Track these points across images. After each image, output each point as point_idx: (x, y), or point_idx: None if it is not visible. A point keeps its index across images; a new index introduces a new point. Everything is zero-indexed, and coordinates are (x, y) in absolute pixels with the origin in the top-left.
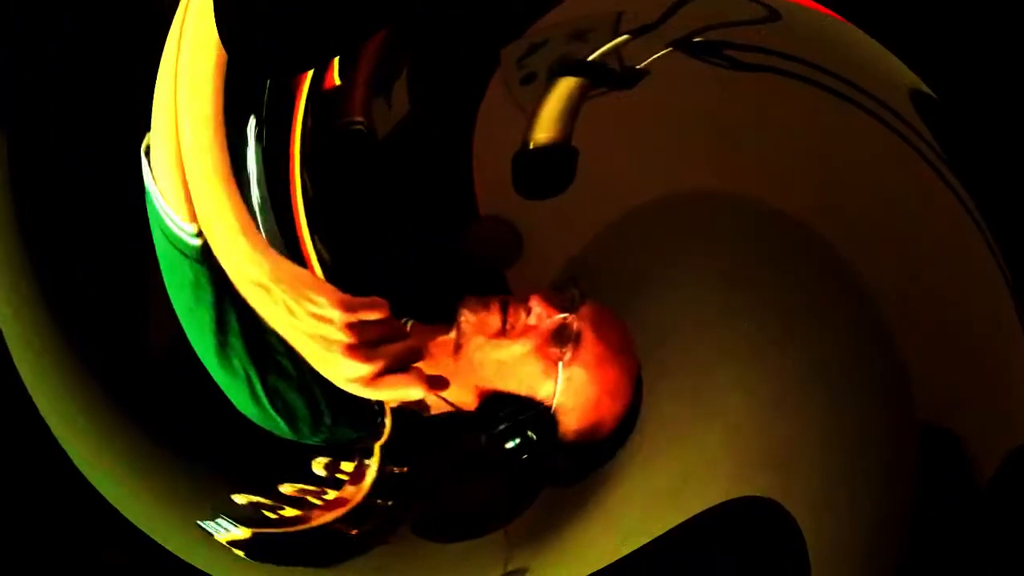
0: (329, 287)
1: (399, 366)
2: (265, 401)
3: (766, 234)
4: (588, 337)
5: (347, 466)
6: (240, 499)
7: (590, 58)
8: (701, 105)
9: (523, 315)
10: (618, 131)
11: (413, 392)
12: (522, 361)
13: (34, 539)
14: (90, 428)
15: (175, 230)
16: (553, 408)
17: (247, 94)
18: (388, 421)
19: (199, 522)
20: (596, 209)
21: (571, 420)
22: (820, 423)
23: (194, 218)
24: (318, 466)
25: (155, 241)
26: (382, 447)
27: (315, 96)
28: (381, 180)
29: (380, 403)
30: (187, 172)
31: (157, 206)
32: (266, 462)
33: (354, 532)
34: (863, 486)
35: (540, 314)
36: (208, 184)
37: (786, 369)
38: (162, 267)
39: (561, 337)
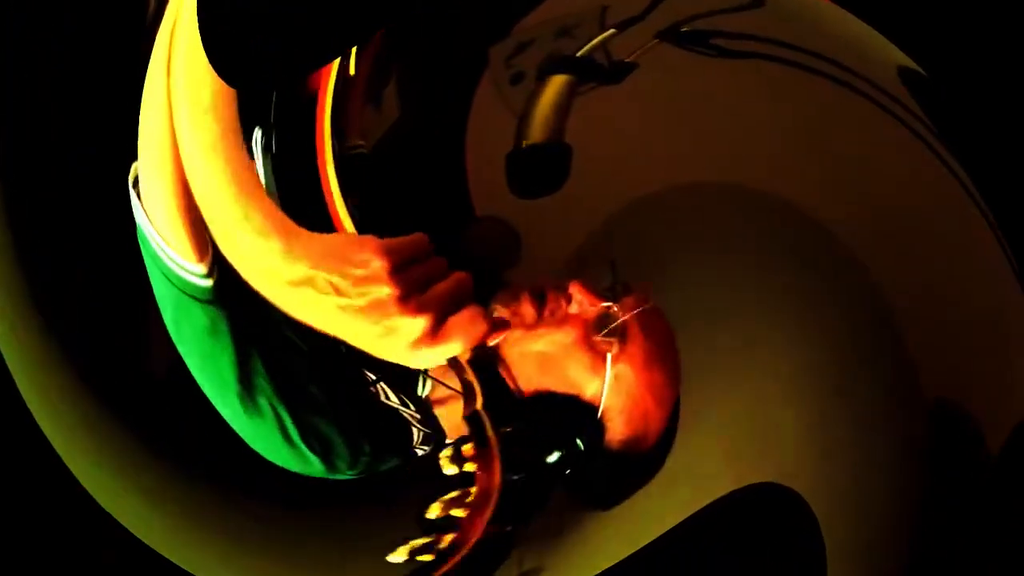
0: (367, 238)
1: (454, 306)
2: (298, 438)
3: (765, 221)
4: (635, 332)
5: (467, 449)
6: (396, 557)
7: (578, 54)
8: (691, 95)
9: (563, 303)
10: (610, 126)
11: (479, 328)
12: (567, 352)
13: (34, 539)
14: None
15: (182, 274)
16: (600, 411)
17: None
18: (473, 379)
19: None
20: (592, 205)
21: (618, 426)
22: (828, 408)
23: (202, 257)
24: (447, 465)
25: (156, 288)
26: (486, 409)
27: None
28: (375, 188)
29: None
30: (198, 199)
31: (158, 251)
32: (397, 497)
33: (509, 528)
34: (874, 468)
35: (582, 301)
36: (225, 198)
37: (790, 356)
38: (168, 318)
39: (606, 327)
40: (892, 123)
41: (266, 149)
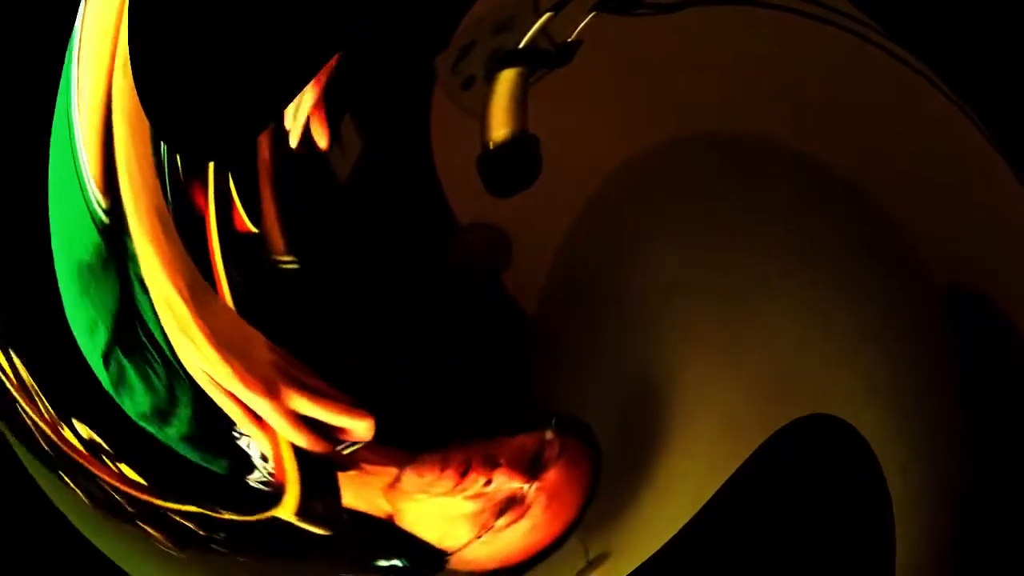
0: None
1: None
2: (98, 355)
3: (747, 164)
4: (535, 511)
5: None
6: None
7: (521, 45)
8: (642, 57)
9: (481, 482)
10: (571, 106)
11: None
12: (453, 520)
13: (33, 539)
14: None
15: (87, 187)
16: (450, 555)
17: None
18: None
19: None
20: (573, 186)
21: (462, 565)
22: (847, 327)
23: (107, 190)
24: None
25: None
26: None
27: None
28: (352, 224)
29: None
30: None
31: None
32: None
33: None
34: (907, 373)
35: (500, 484)
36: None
37: (800, 291)
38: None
39: (508, 507)
40: (856, 42)
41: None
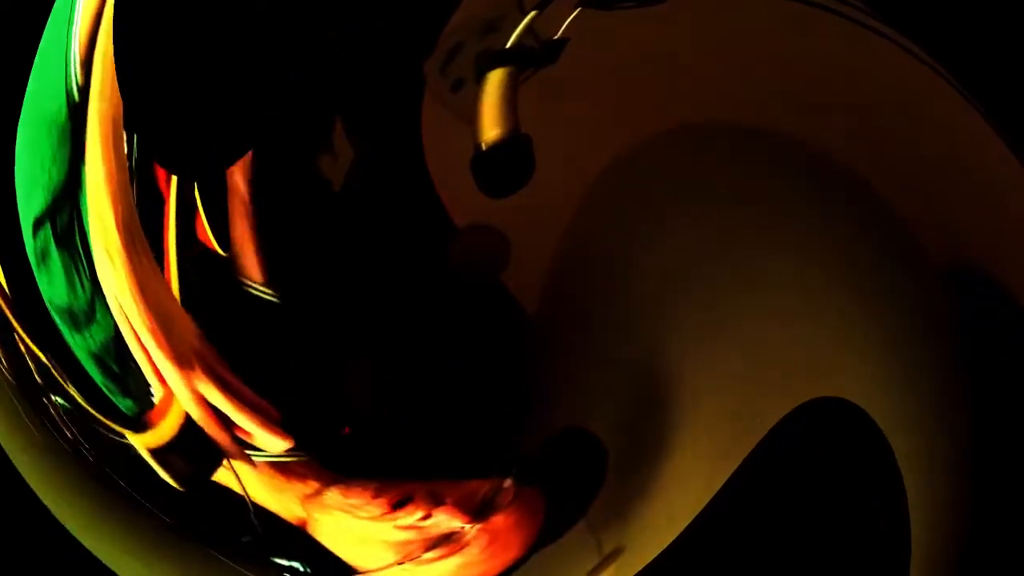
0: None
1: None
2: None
3: (741, 150)
4: (472, 551)
5: None
6: None
7: (508, 45)
8: (629, 51)
9: (418, 515)
10: (561, 104)
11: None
12: (375, 544)
13: (32, 540)
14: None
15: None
16: (356, 573)
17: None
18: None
19: None
20: (568, 183)
21: None
22: (848, 308)
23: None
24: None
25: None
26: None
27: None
28: (349, 234)
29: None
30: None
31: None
32: None
33: None
34: (911, 352)
35: (440, 521)
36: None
37: (798, 273)
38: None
39: (441, 543)
40: (847, 25)
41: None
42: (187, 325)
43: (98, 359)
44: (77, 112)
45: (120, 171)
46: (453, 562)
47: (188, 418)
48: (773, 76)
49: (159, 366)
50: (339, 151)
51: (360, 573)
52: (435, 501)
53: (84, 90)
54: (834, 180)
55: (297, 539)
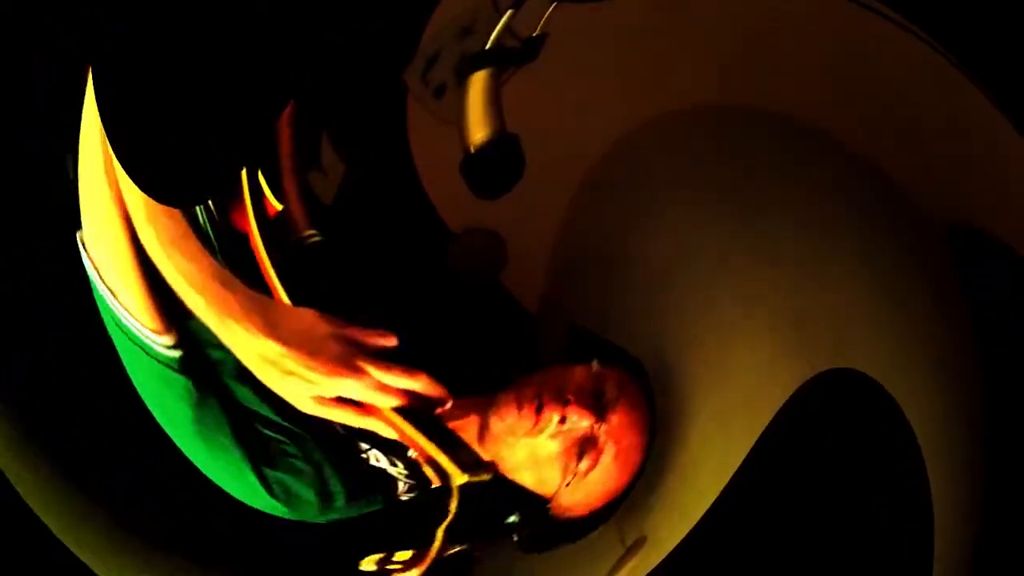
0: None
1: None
2: (260, 490)
3: (734, 130)
4: (607, 457)
5: (402, 555)
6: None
7: (487, 47)
8: (608, 41)
9: (556, 419)
10: (545, 100)
11: (421, 386)
12: (544, 463)
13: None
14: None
15: (148, 342)
16: (549, 502)
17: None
18: (455, 503)
19: None
20: (559, 178)
21: (560, 512)
22: (856, 280)
23: (167, 329)
24: (369, 564)
25: (119, 343)
26: (446, 529)
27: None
28: (346, 249)
29: (447, 484)
30: (167, 277)
31: (123, 320)
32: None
33: None
34: (922, 323)
35: (573, 421)
36: (196, 286)
37: (808, 244)
38: (131, 368)
39: (585, 447)
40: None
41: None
42: (314, 319)
43: (350, 494)
44: (187, 361)
45: (239, 297)
46: (598, 473)
47: (417, 426)
48: (762, 57)
49: (347, 391)
50: (328, 168)
51: (548, 501)
52: (561, 399)
53: (180, 339)
54: (843, 160)
55: (502, 486)
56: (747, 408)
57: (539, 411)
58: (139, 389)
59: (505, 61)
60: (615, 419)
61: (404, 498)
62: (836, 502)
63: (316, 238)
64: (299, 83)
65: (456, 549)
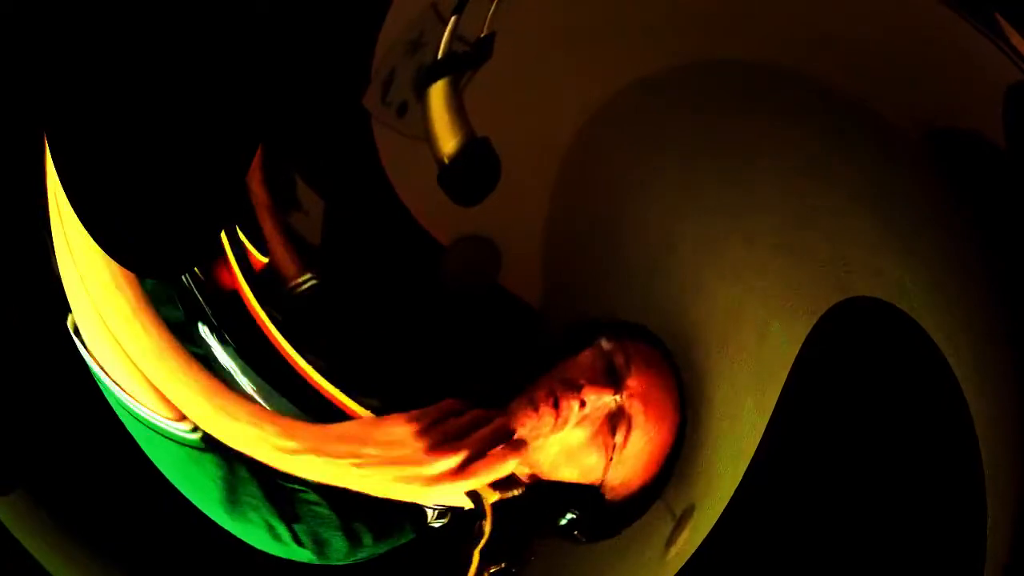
0: (389, 417)
1: (485, 449)
2: (291, 543)
3: (714, 81)
4: (639, 420)
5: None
6: None
7: (439, 57)
8: (561, 25)
9: (576, 407)
10: (508, 97)
11: (507, 466)
12: (579, 452)
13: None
14: None
15: (167, 428)
16: (600, 487)
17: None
18: (488, 524)
19: None
20: (538, 170)
21: (615, 493)
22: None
23: (184, 416)
24: None
25: (132, 426)
26: (481, 551)
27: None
28: (343, 286)
29: (480, 505)
30: (161, 388)
31: (136, 410)
32: None
33: None
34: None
35: (593, 401)
36: (194, 396)
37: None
38: (148, 447)
39: (615, 421)
40: None
41: (220, 341)
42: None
43: (377, 533)
44: (207, 445)
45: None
46: (637, 438)
47: None
48: (735, 7)
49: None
50: (308, 208)
51: (599, 487)
52: (574, 387)
53: (204, 438)
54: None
55: (547, 490)
56: (767, 352)
57: (556, 406)
58: (159, 465)
59: (460, 67)
60: (633, 382)
61: (435, 525)
62: (873, 443)
63: (311, 282)
64: (263, 130)
65: (496, 568)
